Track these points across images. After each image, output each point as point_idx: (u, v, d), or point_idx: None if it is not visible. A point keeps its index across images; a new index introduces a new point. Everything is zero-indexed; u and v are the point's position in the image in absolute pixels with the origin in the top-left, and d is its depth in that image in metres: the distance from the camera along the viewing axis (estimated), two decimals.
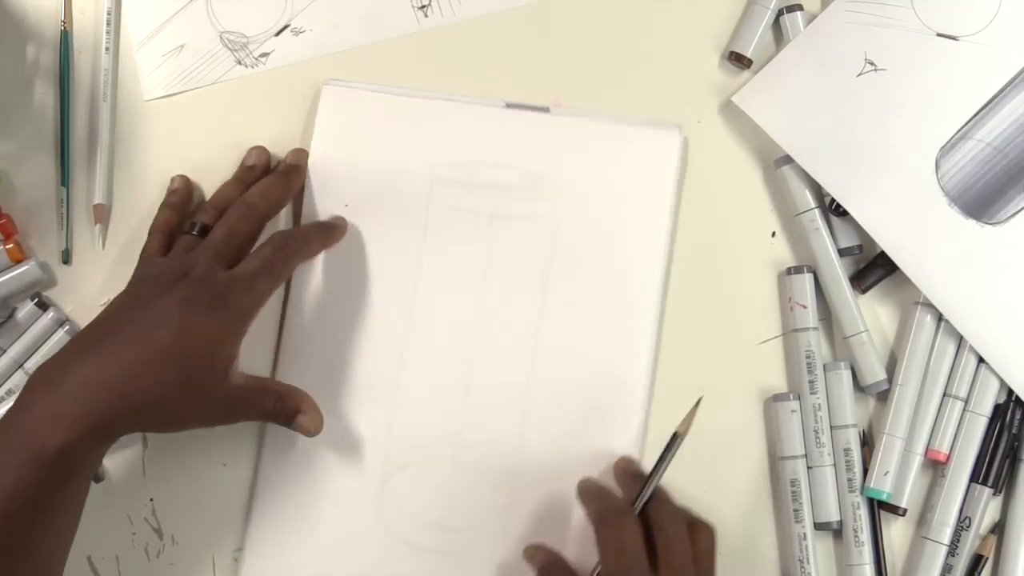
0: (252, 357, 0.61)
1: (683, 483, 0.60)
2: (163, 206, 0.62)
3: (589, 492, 0.57)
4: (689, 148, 0.63)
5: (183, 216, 0.62)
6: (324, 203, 0.62)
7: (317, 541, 0.60)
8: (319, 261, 0.62)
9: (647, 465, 0.59)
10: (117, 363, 0.52)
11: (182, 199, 0.62)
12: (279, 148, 0.64)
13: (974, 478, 0.59)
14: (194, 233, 0.59)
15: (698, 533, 0.55)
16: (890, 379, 0.61)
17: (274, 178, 0.61)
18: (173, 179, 0.63)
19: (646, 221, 0.62)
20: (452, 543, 0.60)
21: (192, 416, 0.56)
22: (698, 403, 0.56)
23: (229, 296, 0.55)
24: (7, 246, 0.62)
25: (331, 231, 0.61)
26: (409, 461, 0.61)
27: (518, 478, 0.60)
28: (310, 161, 0.63)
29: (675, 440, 0.56)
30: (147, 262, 0.60)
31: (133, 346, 0.53)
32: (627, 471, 0.59)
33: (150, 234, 0.61)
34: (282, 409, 0.58)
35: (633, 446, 0.60)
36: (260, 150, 0.63)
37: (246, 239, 0.59)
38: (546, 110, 0.63)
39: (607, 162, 0.62)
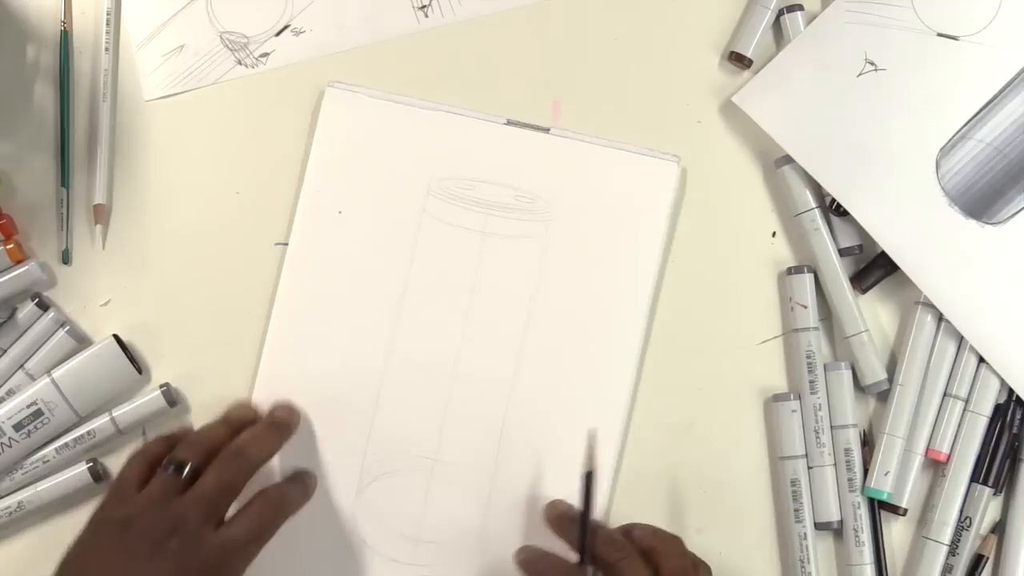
0: (236, 360, 0.62)
1: (684, 483, 0.61)
2: (160, 438, 0.58)
3: (533, 564, 0.56)
4: (689, 148, 0.63)
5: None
6: (319, 207, 0.62)
7: (294, 550, 0.60)
8: (307, 266, 0.62)
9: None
10: None
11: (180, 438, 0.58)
12: (279, 148, 0.64)
13: (974, 478, 0.59)
14: (170, 471, 0.54)
15: (661, 557, 0.53)
16: (890, 379, 0.61)
17: (267, 428, 0.58)
18: (179, 428, 0.59)
19: (636, 250, 0.61)
20: (426, 556, 0.60)
21: None
22: (592, 438, 0.56)
23: (224, 565, 0.53)
24: (7, 246, 0.62)
25: (306, 491, 0.59)
26: (386, 471, 0.61)
27: (494, 495, 0.60)
28: (309, 162, 0.63)
29: (590, 479, 0.55)
30: (124, 495, 0.55)
31: None
32: (562, 516, 0.57)
33: (132, 459, 0.56)
34: None
35: (606, 472, 0.60)
36: (245, 406, 0.60)
37: (237, 494, 0.55)
38: (546, 130, 0.62)
39: (602, 188, 0.62)
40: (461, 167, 0.62)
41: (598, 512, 0.58)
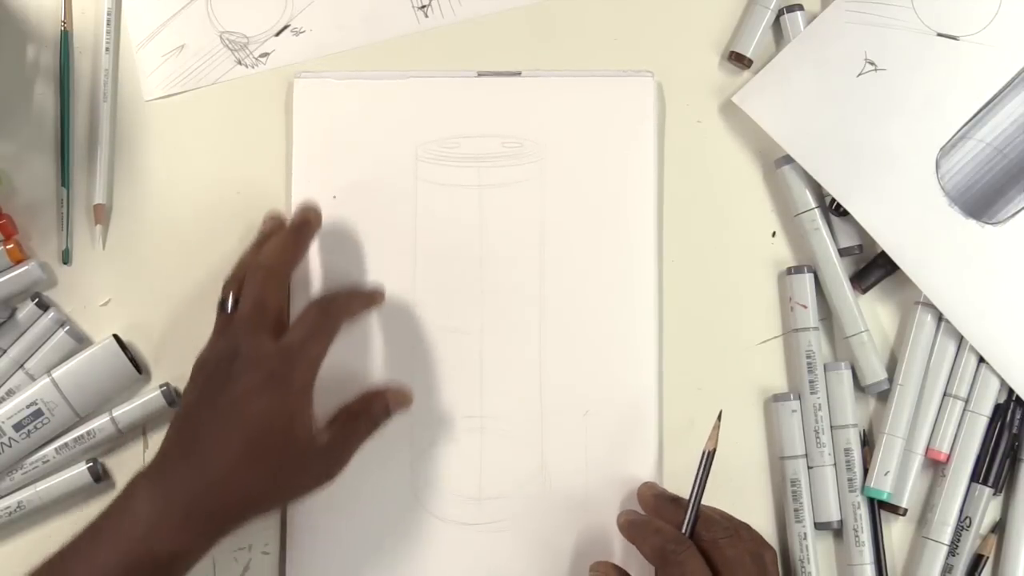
0: None
1: (684, 482, 0.61)
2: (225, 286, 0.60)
3: (637, 526, 0.56)
4: (689, 148, 0.63)
5: None
6: (312, 197, 0.62)
7: (357, 528, 0.60)
8: (315, 256, 0.62)
9: (674, 476, 0.59)
10: (210, 471, 0.53)
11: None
12: (280, 148, 0.63)
13: (974, 478, 0.59)
14: (227, 311, 0.57)
15: (741, 540, 0.54)
16: (890, 379, 0.61)
17: (284, 235, 0.59)
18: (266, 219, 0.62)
19: (631, 168, 0.62)
20: (489, 513, 0.61)
21: (296, 490, 0.56)
22: (719, 417, 0.56)
23: (286, 370, 0.54)
24: (7, 246, 0.62)
25: (371, 295, 0.60)
26: (435, 439, 0.61)
27: (547, 439, 0.61)
28: (293, 156, 0.63)
29: (709, 458, 0.55)
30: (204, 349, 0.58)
31: (216, 452, 0.53)
32: (659, 497, 0.58)
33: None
34: (377, 419, 0.59)
35: (650, 385, 0.61)
36: (274, 218, 0.61)
37: (277, 303, 0.57)
38: (518, 74, 0.63)
39: (584, 117, 0.63)
40: (443, 127, 0.63)
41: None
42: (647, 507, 0.58)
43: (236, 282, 0.58)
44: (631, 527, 0.57)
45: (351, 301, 0.59)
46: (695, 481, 0.55)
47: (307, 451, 0.55)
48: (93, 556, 0.51)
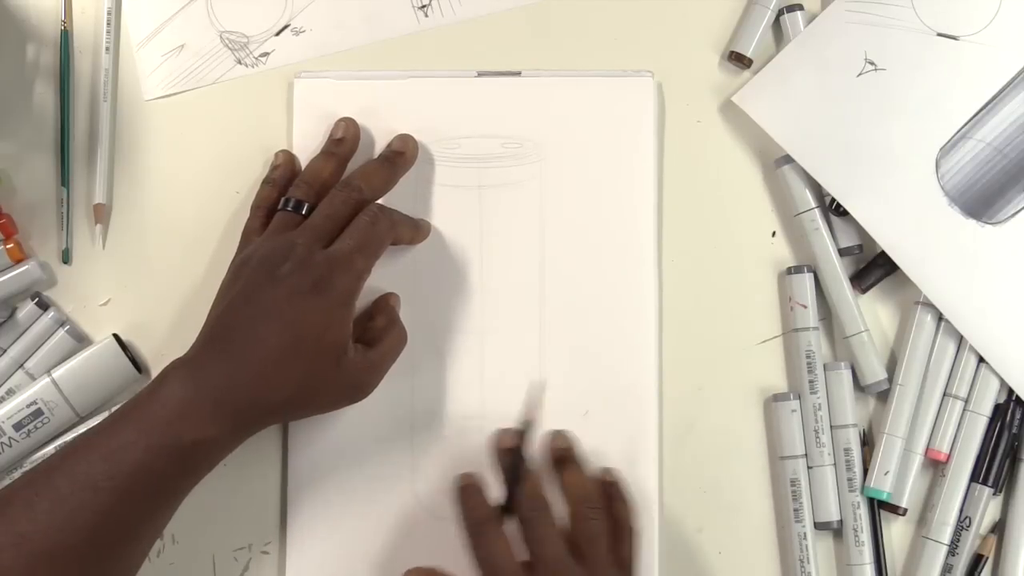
0: None
1: (684, 482, 0.61)
2: (264, 182, 0.61)
3: (458, 496, 0.55)
4: (689, 148, 0.63)
5: (283, 192, 0.61)
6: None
7: (357, 528, 0.61)
8: None
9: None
10: (243, 365, 0.53)
11: (284, 175, 0.61)
12: (279, 148, 0.63)
13: (974, 478, 0.59)
14: (289, 209, 0.59)
15: (581, 522, 0.55)
16: (890, 379, 0.61)
17: (379, 164, 0.61)
18: (276, 154, 0.62)
19: (631, 168, 0.62)
20: None
21: (323, 402, 0.57)
22: (542, 389, 0.57)
23: (331, 279, 0.55)
24: (7, 246, 0.62)
25: (418, 228, 0.61)
26: (437, 438, 0.61)
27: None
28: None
29: (526, 430, 0.56)
30: (247, 240, 0.60)
31: (253, 347, 0.54)
32: (506, 452, 0.56)
33: (251, 211, 0.61)
34: (403, 330, 0.60)
35: (650, 386, 0.61)
36: (349, 122, 0.62)
37: (345, 224, 0.58)
38: (517, 74, 0.63)
39: (584, 118, 0.63)
40: (444, 128, 0.63)
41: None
42: (496, 455, 0.57)
43: (307, 187, 0.59)
44: (459, 495, 0.55)
45: (400, 223, 0.60)
46: (512, 457, 0.55)
47: (341, 362, 0.55)
48: (117, 435, 0.52)
